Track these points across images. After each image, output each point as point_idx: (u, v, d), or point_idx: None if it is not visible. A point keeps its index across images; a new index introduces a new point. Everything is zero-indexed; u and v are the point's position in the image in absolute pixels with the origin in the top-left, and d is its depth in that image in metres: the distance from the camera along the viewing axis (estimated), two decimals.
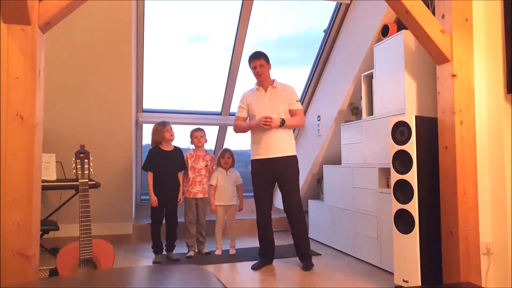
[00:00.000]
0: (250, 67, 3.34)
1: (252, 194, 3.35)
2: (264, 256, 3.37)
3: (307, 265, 3.22)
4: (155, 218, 3.47)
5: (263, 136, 3.23)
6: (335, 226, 3.91)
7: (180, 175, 3.61)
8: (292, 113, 3.30)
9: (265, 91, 3.31)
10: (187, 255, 3.63)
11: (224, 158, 3.75)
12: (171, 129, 3.53)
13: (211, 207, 3.72)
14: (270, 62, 3.34)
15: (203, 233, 3.74)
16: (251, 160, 3.34)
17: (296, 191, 3.27)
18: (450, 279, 2.43)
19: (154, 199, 3.42)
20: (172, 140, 3.55)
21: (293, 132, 4.52)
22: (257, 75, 3.29)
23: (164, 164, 3.46)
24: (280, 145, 3.23)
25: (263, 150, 3.24)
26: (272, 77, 3.37)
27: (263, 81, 3.31)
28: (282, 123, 3.19)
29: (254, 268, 3.28)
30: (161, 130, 3.48)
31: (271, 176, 3.27)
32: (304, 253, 3.28)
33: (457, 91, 2.44)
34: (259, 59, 3.26)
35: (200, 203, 3.71)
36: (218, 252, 3.72)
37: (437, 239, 2.52)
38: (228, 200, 3.73)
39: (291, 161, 3.26)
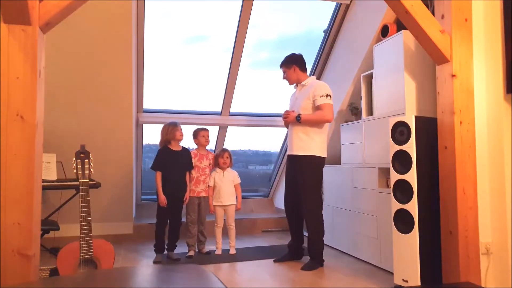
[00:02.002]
0: None
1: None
2: (289, 248, 3.49)
3: (306, 265, 3.22)
4: (161, 217, 3.48)
5: (288, 132, 3.41)
6: (335, 226, 3.91)
7: (188, 175, 3.63)
8: (317, 109, 3.19)
9: (298, 89, 3.43)
10: (187, 254, 3.63)
11: (223, 158, 3.73)
12: (181, 129, 3.56)
13: (210, 208, 3.74)
14: (296, 62, 3.37)
15: (204, 232, 3.75)
16: None
17: (307, 194, 3.19)
18: (449, 279, 2.43)
19: (163, 199, 3.42)
20: (181, 140, 3.58)
21: None
22: (285, 80, 3.47)
23: (173, 164, 3.48)
24: (294, 143, 3.28)
25: (288, 145, 3.43)
26: (310, 75, 3.47)
27: (295, 83, 3.43)
28: (298, 119, 3.20)
29: (275, 260, 3.45)
30: (172, 130, 3.50)
31: (290, 173, 3.40)
32: (310, 253, 3.27)
33: (457, 91, 2.45)
34: (281, 68, 3.45)
35: (203, 202, 3.74)
36: (218, 252, 3.72)
37: (437, 239, 2.53)
38: (226, 200, 3.72)
39: (303, 161, 3.21)
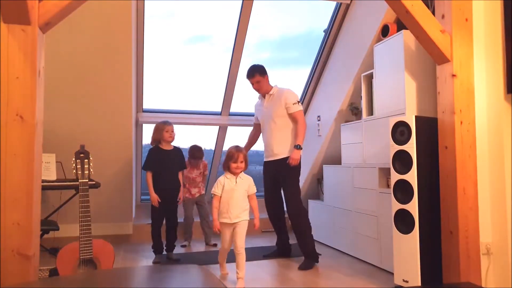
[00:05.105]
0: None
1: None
2: (277, 246, 3.65)
3: (302, 265, 3.23)
4: (156, 217, 3.47)
5: (266, 140, 3.50)
6: (335, 226, 3.91)
7: (180, 175, 3.61)
8: (291, 117, 3.36)
9: (265, 98, 3.53)
10: (182, 244, 3.92)
11: (237, 162, 2.84)
12: (172, 130, 3.49)
13: (214, 224, 2.87)
14: (266, 72, 3.47)
15: (209, 224, 4.02)
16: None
17: (293, 193, 3.31)
18: (450, 279, 2.43)
19: (155, 198, 3.37)
20: (170, 141, 3.52)
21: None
22: (256, 90, 3.54)
23: (165, 163, 3.45)
24: (275, 148, 3.40)
25: (264, 153, 3.55)
26: (273, 83, 3.54)
27: (263, 92, 3.53)
28: (298, 147, 3.24)
29: (264, 256, 3.59)
30: (162, 130, 3.46)
31: (270, 177, 3.51)
32: (303, 252, 3.31)
33: (457, 91, 2.44)
34: (253, 77, 3.45)
35: (200, 200, 4.04)
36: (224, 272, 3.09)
37: (437, 239, 2.52)
38: (237, 216, 2.83)
39: (286, 162, 3.29)
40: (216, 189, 2.86)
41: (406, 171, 2.57)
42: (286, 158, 3.29)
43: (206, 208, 4.12)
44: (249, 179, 2.93)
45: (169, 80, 4.52)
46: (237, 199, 2.83)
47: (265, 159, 3.54)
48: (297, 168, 3.32)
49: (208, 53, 4.48)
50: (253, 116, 4.75)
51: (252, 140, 3.82)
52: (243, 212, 2.84)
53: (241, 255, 2.79)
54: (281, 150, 3.36)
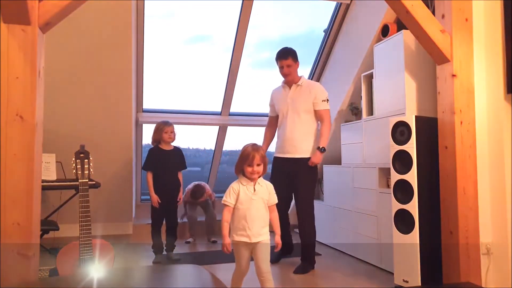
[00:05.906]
0: (277, 64, 3.22)
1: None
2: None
3: (298, 268, 3.15)
4: (156, 218, 3.46)
5: (280, 134, 3.27)
6: (335, 226, 3.90)
7: (180, 175, 3.61)
8: (317, 114, 3.16)
9: (290, 88, 3.24)
10: (186, 240, 4.03)
11: (253, 165, 2.23)
12: (171, 131, 3.46)
13: (223, 244, 2.23)
14: (298, 58, 3.22)
15: (214, 227, 4.12)
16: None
17: (308, 195, 3.18)
18: (450, 279, 2.43)
19: (155, 199, 3.37)
20: (170, 142, 3.50)
21: None
22: (284, 75, 3.23)
23: (164, 163, 3.44)
24: (298, 146, 3.16)
25: (279, 148, 3.27)
26: (300, 74, 3.27)
27: (290, 79, 3.23)
28: (322, 150, 3.11)
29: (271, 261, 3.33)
30: (161, 130, 3.45)
31: (284, 174, 3.22)
32: (302, 256, 3.24)
33: (457, 91, 2.44)
34: (286, 59, 3.15)
35: (203, 203, 4.13)
36: None
37: (437, 239, 2.52)
38: (257, 234, 2.22)
39: (307, 162, 3.14)
40: (228, 198, 2.24)
41: (406, 171, 2.57)
42: (306, 159, 3.12)
43: (212, 212, 4.18)
44: (270, 186, 2.37)
45: (169, 80, 4.52)
46: (257, 212, 2.24)
47: (279, 155, 3.24)
48: (316, 171, 3.19)
49: (208, 53, 4.49)
50: (254, 116, 4.74)
51: (271, 137, 3.44)
52: (264, 228, 2.26)
53: (269, 281, 2.19)
54: (302, 148, 3.13)
